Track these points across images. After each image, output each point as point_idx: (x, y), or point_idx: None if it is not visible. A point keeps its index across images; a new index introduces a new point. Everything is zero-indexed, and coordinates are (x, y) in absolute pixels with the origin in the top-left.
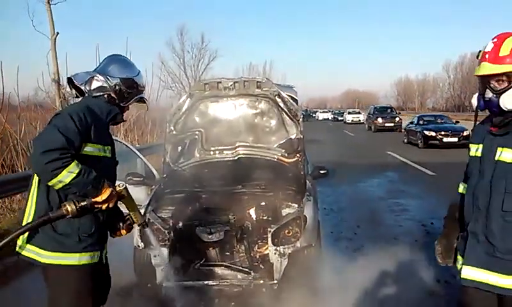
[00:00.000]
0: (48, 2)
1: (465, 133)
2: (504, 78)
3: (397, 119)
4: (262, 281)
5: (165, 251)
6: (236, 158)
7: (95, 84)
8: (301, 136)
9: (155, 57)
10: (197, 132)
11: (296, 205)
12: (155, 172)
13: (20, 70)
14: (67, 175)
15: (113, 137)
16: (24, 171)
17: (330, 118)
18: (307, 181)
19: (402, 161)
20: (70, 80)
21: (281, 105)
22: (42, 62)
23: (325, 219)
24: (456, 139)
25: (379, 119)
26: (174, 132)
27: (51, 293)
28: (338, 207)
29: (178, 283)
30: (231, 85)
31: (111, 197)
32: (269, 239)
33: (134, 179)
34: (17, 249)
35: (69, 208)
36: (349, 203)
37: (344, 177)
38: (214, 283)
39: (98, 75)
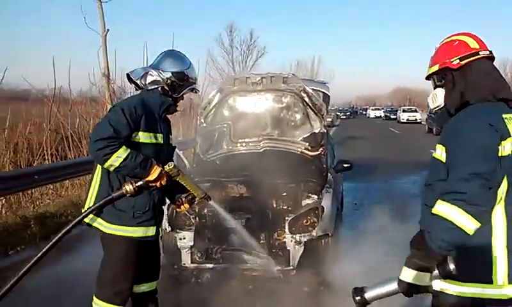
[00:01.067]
0: (100, 0)
1: None
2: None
3: None
4: (279, 267)
5: (190, 234)
6: (262, 150)
7: (149, 79)
8: (325, 130)
9: (204, 53)
10: (226, 125)
11: (316, 196)
12: (186, 162)
13: (74, 65)
14: (116, 159)
15: None
16: (74, 159)
17: (382, 116)
18: (329, 174)
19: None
20: (128, 76)
21: (306, 99)
22: (94, 58)
23: (354, 213)
24: None
25: None
26: (204, 125)
27: (104, 256)
28: (369, 202)
29: (201, 264)
30: (258, 80)
31: (161, 176)
32: (286, 227)
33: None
34: (88, 221)
35: (127, 188)
36: (380, 199)
37: (379, 173)
38: (235, 267)
39: (152, 70)
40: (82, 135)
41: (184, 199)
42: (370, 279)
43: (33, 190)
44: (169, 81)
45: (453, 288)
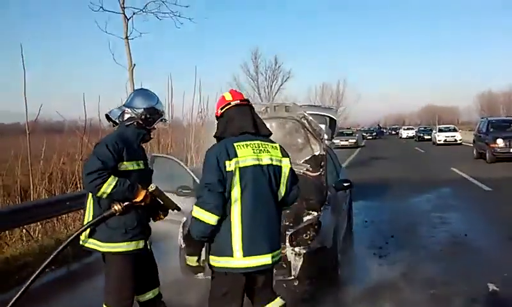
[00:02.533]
0: (127, 38)
1: None
2: None
3: None
4: (281, 277)
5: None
6: None
7: (126, 116)
8: (324, 153)
9: (231, 79)
10: None
11: (316, 213)
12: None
13: (104, 98)
14: (107, 187)
15: (171, 157)
16: None
17: (414, 136)
18: (328, 192)
19: (462, 176)
20: (107, 116)
21: (307, 125)
22: (122, 91)
23: (362, 230)
24: None
25: (500, 142)
26: None
27: (106, 272)
28: (380, 219)
29: (207, 276)
30: (263, 109)
31: (146, 197)
32: (287, 241)
33: (184, 191)
34: (81, 242)
35: (116, 208)
36: (391, 216)
37: (395, 192)
38: None
39: (126, 108)
40: None
41: (160, 212)
42: (363, 285)
43: (66, 216)
44: (142, 116)
45: (212, 261)
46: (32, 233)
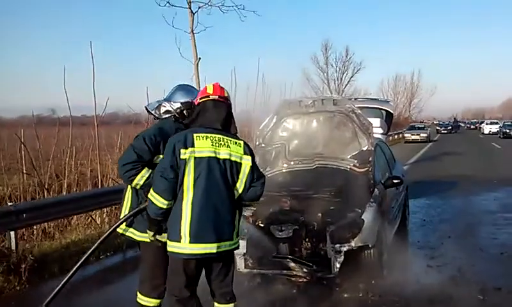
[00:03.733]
0: (192, 32)
1: None
2: None
3: None
4: (321, 274)
5: (243, 243)
6: (314, 167)
7: (162, 109)
8: (372, 148)
9: (300, 72)
10: (281, 145)
11: (360, 210)
12: None
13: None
14: (140, 179)
15: None
16: None
17: (498, 133)
18: (375, 189)
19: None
20: (146, 108)
21: (355, 119)
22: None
23: (418, 229)
24: None
25: None
26: (262, 145)
27: (141, 258)
28: (440, 219)
29: (253, 270)
30: (311, 103)
31: None
32: (328, 238)
33: None
34: (121, 231)
35: None
36: (453, 215)
37: (462, 190)
38: (282, 273)
39: (165, 102)
40: None
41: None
42: (406, 287)
43: None
44: (178, 110)
45: (168, 246)
46: (97, 220)
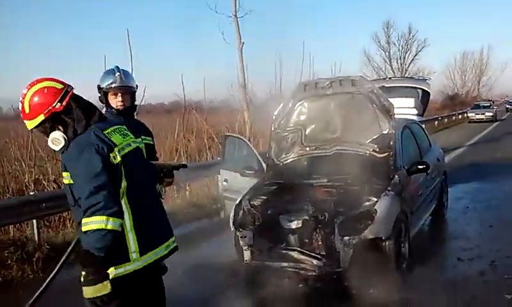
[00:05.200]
0: (235, 16)
1: None
2: None
3: None
4: (329, 269)
5: (250, 234)
6: (331, 153)
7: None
8: (393, 131)
9: (361, 53)
10: (297, 130)
11: (375, 199)
12: (264, 166)
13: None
14: None
15: (241, 137)
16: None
17: None
18: (396, 176)
19: None
20: None
21: (375, 101)
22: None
23: (458, 217)
24: None
25: None
26: (278, 131)
27: None
28: (485, 206)
29: (260, 262)
30: (328, 84)
31: None
32: (336, 229)
33: (247, 172)
34: None
35: None
36: (501, 202)
37: None
38: (290, 266)
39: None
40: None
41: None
42: (425, 281)
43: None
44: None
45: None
46: None
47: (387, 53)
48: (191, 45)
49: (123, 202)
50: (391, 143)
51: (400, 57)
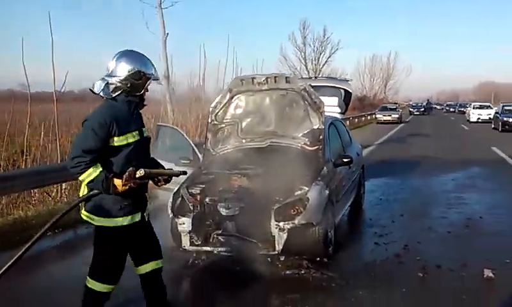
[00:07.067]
0: (160, 6)
1: None
2: None
3: None
4: (265, 251)
5: (188, 220)
6: (265, 145)
7: (111, 87)
8: (323, 127)
9: (277, 51)
10: (234, 122)
11: (307, 188)
12: (200, 156)
13: None
14: (87, 176)
15: (175, 127)
16: None
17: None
18: (324, 168)
19: (502, 157)
20: (91, 91)
21: (307, 98)
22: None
23: (373, 208)
24: None
25: None
26: (215, 122)
27: (95, 244)
28: (396, 198)
29: (199, 248)
30: (263, 80)
31: (127, 182)
32: (272, 216)
33: (183, 162)
34: (81, 212)
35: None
36: (409, 194)
37: (423, 170)
38: (227, 251)
39: (110, 78)
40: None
41: (161, 179)
42: (349, 263)
43: None
44: (128, 83)
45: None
46: (53, 196)
47: (303, 53)
48: (113, 33)
49: None
50: (321, 137)
51: (315, 59)
